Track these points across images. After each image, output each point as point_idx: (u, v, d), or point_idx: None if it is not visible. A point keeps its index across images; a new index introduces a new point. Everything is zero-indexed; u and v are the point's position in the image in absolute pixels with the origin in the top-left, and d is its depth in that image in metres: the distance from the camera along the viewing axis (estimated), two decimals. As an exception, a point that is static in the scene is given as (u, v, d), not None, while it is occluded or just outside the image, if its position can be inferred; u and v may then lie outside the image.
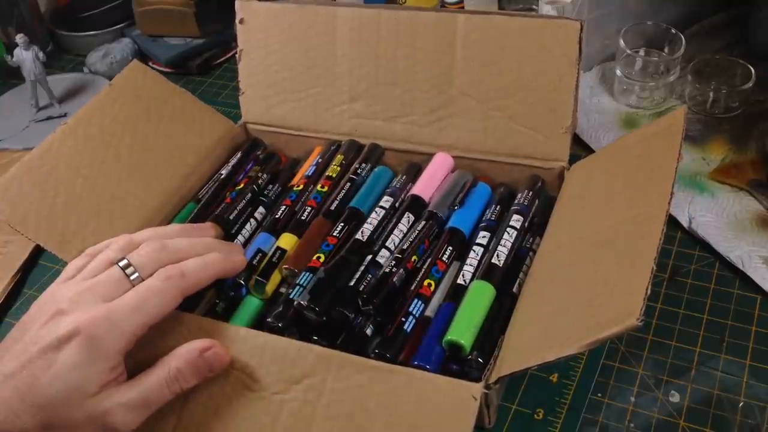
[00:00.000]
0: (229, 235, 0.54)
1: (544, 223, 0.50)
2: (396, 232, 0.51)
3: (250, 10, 0.61)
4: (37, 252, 0.63)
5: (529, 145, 0.55)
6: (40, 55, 0.79)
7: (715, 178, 0.60)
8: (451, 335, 0.44)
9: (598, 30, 0.70)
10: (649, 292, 0.36)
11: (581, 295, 0.40)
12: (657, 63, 0.68)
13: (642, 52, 0.69)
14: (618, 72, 0.68)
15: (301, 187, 0.57)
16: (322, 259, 0.50)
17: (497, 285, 0.47)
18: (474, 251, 0.49)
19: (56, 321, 0.39)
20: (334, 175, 0.57)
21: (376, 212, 0.53)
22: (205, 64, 0.85)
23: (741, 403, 0.45)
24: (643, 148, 0.48)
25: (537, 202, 0.53)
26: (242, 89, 0.63)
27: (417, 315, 0.46)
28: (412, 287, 0.48)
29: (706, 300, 0.51)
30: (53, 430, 0.39)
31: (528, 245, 0.50)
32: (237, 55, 0.62)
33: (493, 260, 0.48)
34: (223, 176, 0.59)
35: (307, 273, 0.49)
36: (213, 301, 0.50)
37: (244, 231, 0.55)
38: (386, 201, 0.54)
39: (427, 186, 0.55)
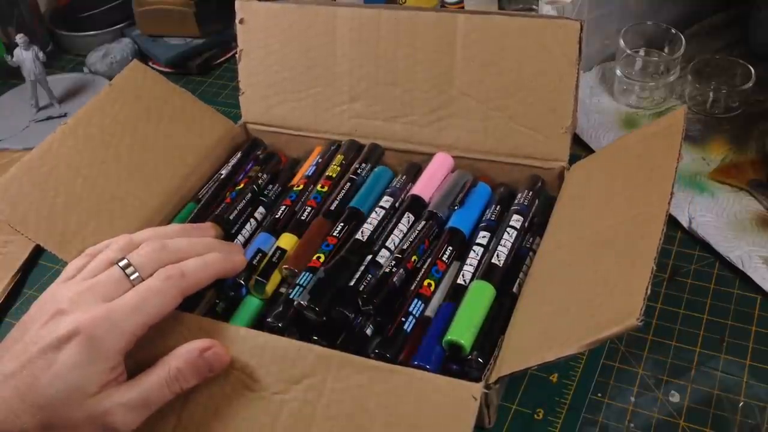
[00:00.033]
0: (229, 235, 0.54)
1: (544, 223, 0.50)
2: (396, 232, 0.51)
3: (250, 10, 0.61)
4: (37, 252, 0.63)
5: (529, 145, 0.55)
6: (40, 55, 0.79)
7: (715, 178, 0.60)
8: (451, 335, 0.44)
9: (598, 30, 0.70)
10: (649, 292, 0.36)
11: (581, 295, 0.40)
12: (657, 63, 0.68)
13: (642, 52, 0.69)
14: (618, 72, 0.68)
15: (301, 187, 0.57)
16: (322, 259, 0.50)
17: (497, 285, 0.47)
18: (474, 251, 0.49)
19: (56, 321, 0.39)
20: (334, 175, 0.57)
21: (376, 212, 0.53)
22: (205, 64, 0.85)
23: (741, 403, 0.45)
24: (643, 148, 0.48)
25: (537, 202, 0.53)
26: (242, 89, 0.63)
27: (417, 315, 0.46)
28: (412, 287, 0.48)
29: (706, 300, 0.51)
30: (53, 430, 0.39)
31: (528, 245, 0.50)
32: (237, 55, 0.62)
33: (493, 260, 0.48)
34: (223, 176, 0.59)
35: (307, 273, 0.49)
36: (213, 301, 0.50)
37: (244, 231, 0.55)
38: (386, 201, 0.54)
39: (427, 186, 0.55)
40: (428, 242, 0.51)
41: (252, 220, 0.55)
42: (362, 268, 0.49)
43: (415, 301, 0.47)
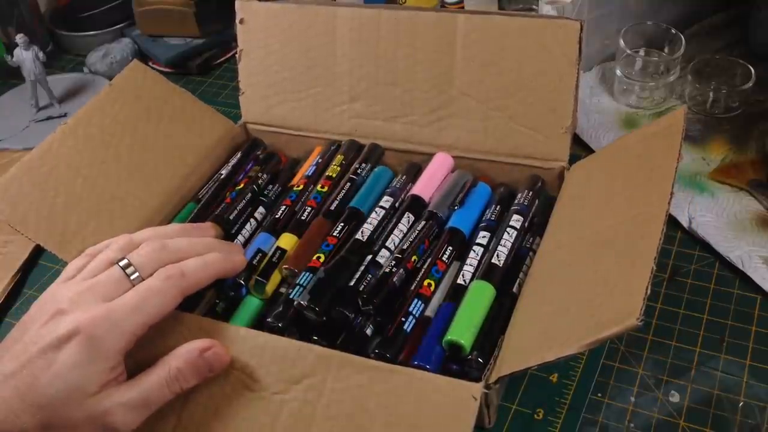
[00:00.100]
0: (229, 235, 0.54)
1: (544, 223, 0.50)
2: (396, 232, 0.51)
3: (250, 10, 0.61)
4: (37, 252, 0.63)
5: (529, 145, 0.55)
6: (40, 55, 0.79)
7: (715, 178, 0.60)
8: (451, 335, 0.44)
9: (598, 30, 0.70)
10: (649, 292, 0.36)
11: (581, 295, 0.40)
12: (657, 63, 0.68)
13: (642, 52, 0.69)
14: (618, 72, 0.68)
15: (301, 187, 0.57)
16: (322, 259, 0.50)
17: (497, 285, 0.47)
18: (474, 251, 0.49)
19: (56, 321, 0.39)
20: (334, 175, 0.57)
21: (376, 212, 0.53)
22: (205, 64, 0.85)
23: (741, 403, 0.45)
24: (643, 148, 0.48)
25: (537, 202, 0.53)
26: (242, 89, 0.63)
27: (417, 315, 0.46)
28: (412, 287, 0.48)
29: (706, 300, 0.51)
30: (53, 430, 0.39)
31: (528, 245, 0.50)
32: (237, 55, 0.62)
33: (493, 260, 0.48)
34: (223, 176, 0.59)
35: (307, 273, 0.49)
36: (213, 301, 0.50)
37: (244, 231, 0.55)
38: (386, 201, 0.54)
39: (427, 186, 0.55)
40: (428, 242, 0.51)
41: (252, 220, 0.55)
42: (362, 268, 0.49)
43: (415, 301, 0.47)
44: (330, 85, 0.59)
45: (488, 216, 0.52)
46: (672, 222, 0.57)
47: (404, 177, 0.56)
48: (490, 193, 0.55)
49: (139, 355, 0.41)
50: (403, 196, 0.55)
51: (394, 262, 0.48)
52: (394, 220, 0.52)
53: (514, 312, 0.45)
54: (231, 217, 0.54)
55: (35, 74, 0.79)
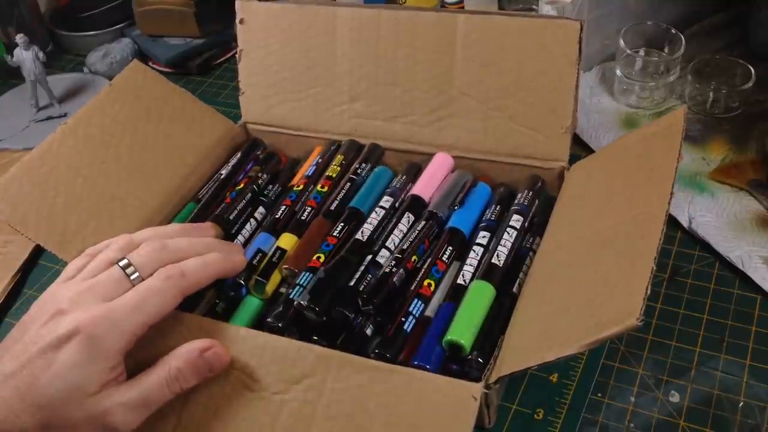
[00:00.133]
0: (229, 235, 0.54)
1: (544, 223, 0.50)
2: (396, 232, 0.51)
3: (250, 10, 0.61)
4: (37, 252, 0.63)
5: (529, 145, 0.55)
6: (40, 55, 0.79)
7: (715, 178, 0.60)
8: (451, 335, 0.44)
9: (598, 30, 0.70)
10: (649, 292, 0.36)
11: (581, 295, 0.40)
12: (657, 63, 0.68)
13: (642, 52, 0.69)
14: (618, 72, 0.68)
15: (301, 187, 0.57)
16: (322, 259, 0.50)
17: (497, 285, 0.47)
18: (474, 251, 0.49)
19: (56, 321, 0.39)
20: (334, 175, 0.57)
21: (376, 212, 0.53)
22: (205, 64, 0.85)
23: (741, 403, 0.45)
24: (643, 148, 0.48)
25: (537, 202, 0.53)
26: (242, 89, 0.63)
27: (417, 315, 0.46)
28: (412, 287, 0.48)
29: (706, 300, 0.51)
30: (53, 430, 0.39)
31: (528, 245, 0.50)
32: (237, 55, 0.62)
33: (493, 260, 0.48)
34: (223, 176, 0.59)
35: (307, 273, 0.49)
36: (213, 301, 0.50)
37: (244, 231, 0.55)
38: (386, 201, 0.54)
39: (427, 186, 0.55)
40: (428, 242, 0.51)
41: (252, 220, 0.55)
42: (362, 268, 0.49)
43: (415, 301, 0.47)
44: (330, 85, 0.59)
45: (488, 216, 0.52)
46: (672, 222, 0.57)
47: (404, 177, 0.56)
48: (490, 193, 0.55)
49: (139, 355, 0.41)
50: (403, 196, 0.55)
51: (394, 262, 0.48)
52: (394, 220, 0.52)
53: (514, 312, 0.45)
54: (231, 217, 0.54)
55: (35, 74, 0.79)
